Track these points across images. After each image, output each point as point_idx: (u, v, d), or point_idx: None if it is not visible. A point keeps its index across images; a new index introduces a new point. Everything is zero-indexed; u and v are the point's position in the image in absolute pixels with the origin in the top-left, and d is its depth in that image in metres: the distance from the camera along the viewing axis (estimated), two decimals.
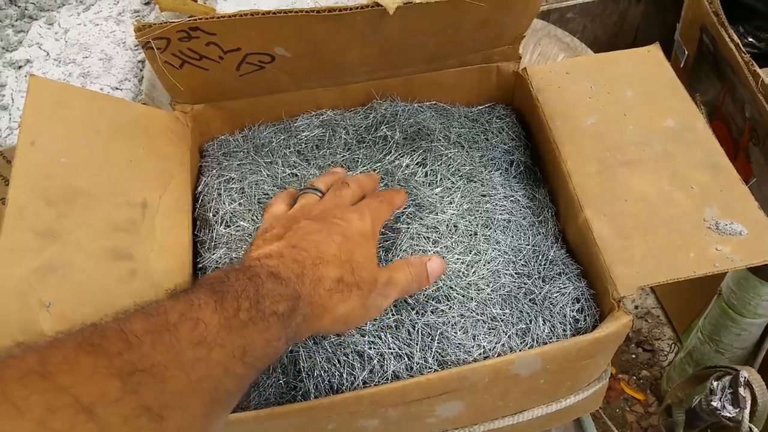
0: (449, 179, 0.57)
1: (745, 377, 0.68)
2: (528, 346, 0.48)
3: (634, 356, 1.16)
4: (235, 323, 0.34)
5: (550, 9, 1.21)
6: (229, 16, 0.48)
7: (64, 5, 0.84)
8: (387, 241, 0.52)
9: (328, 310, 0.40)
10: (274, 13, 0.48)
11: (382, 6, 0.48)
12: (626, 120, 0.56)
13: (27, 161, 0.47)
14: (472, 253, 0.52)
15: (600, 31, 1.29)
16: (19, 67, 0.77)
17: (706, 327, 0.91)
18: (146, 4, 0.82)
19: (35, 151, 0.48)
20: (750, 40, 1.16)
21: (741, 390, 0.68)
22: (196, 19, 0.48)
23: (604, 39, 1.30)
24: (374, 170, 0.57)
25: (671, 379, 1.06)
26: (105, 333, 0.29)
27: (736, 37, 0.91)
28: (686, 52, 1.13)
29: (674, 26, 1.18)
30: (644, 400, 1.11)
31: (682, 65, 1.12)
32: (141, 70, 0.73)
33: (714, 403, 0.70)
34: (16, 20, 0.82)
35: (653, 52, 0.61)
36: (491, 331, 0.48)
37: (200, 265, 0.53)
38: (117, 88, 0.72)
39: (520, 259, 0.52)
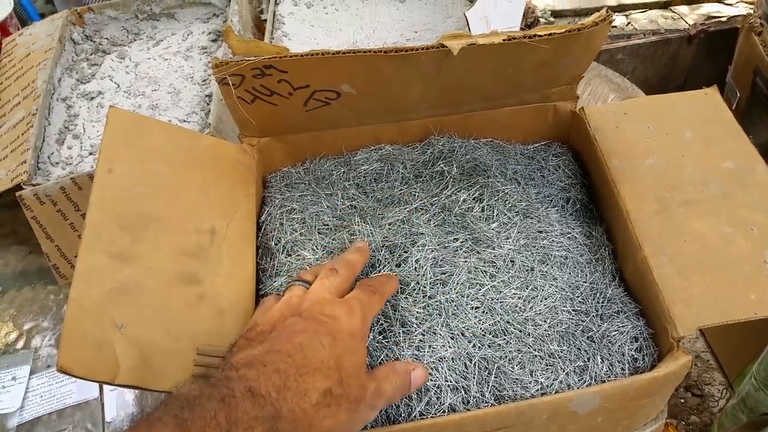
0: (506, 215, 0.57)
1: None
2: (586, 383, 0.48)
3: (683, 401, 1.13)
4: None
5: (601, 50, 1.22)
6: (302, 56, 0.50)
7: (135, 41, 0.89)
8: (444, 274, 0.53)
9: (314, 426, 0.37)
10: (344, 52, 0.50)
11: (446, 47, 0.50)
12: (685, 161, 0.56)
13: (104, 188, 0.50)
14: (529, 288, 0.52)
15: (650, 72, 1.29)
16: (92, 98, 0.82)
17: (761, 373, 0.88)
18: (213, 41, 0.86)
19: (112, 178, 0.51)
20: None
21: None
22: (270, 58, 0.50)
23: (654, 80, 1.30)
24: (431, 204, 0.58)
25: (723, 425, 1.02)
26: None
27: None
28: (738, 95, 1.13)
29: (725, 68, 1.17)
30: None
31: (734, 107, 1.12)
32: (208, 104, 0.77)
33: None
34: (91, 54, 0.87)
35: (711, 94, 0.61)
36: (549, 367, 0.48)
37: (262, 292, 0.54)
38: (184, 121, 0.75)
39: (578, 296, 0.52)
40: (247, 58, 0.50)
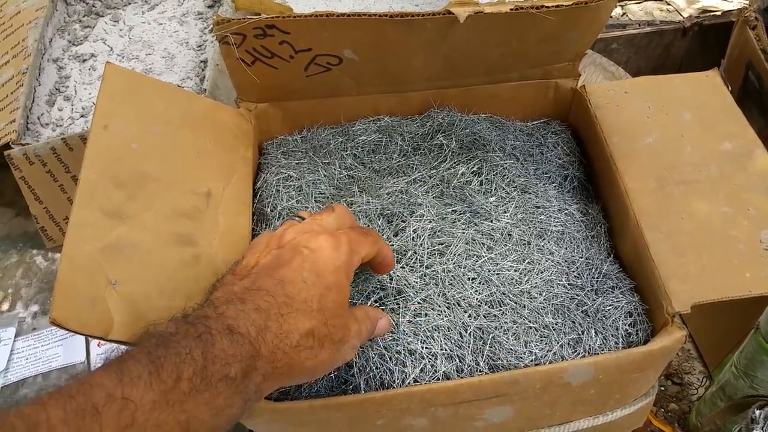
0: (504, 189, 0.57)
1: None
2: (579, 356, 0.48)
3: (663, 388, 1.15)
4: (173, 397, 0.30)
5: (596, 38, 1.22)
6: (306, 16, 0.50)
7: (129, 4, 0.87)
8: (442, 244, 0.52)
9: (294, 367, 0.36)
10: (349, 15, 0.50)
11: (453, 14, 0.49)
12: (684, 141, 0.57)
13: (99, 144, 0.49)
14: (526, 261, 0.52)
15: (644, 63, 1.29)
16: (84, 60, 0.80)
17: (741, 362, 0.90)
18: (209, 7, 0.85)
19: (108, 135, 0.50)
20: None
21: None
22: (273, 17, 0.49)
23: (647, 71, 1.30)
24: (430, 176, 0.58)
25: (701, 413, 1.04)
26: (14, 427, 0.26)
27: None
28: (730, 88, 1.13)
29: (718, 61, 1.18)
30: None
31: None
32: (203, 70, 0.76)
33: None
34: (84, 16, 0.85)
35: (711, 76, 0.61)
36: (543, 339, 0.48)
37: None
38: (178, 86, 0.74)
39: (573, 271, 0.53)
40: (249, 17, 0.49)
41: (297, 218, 0.45)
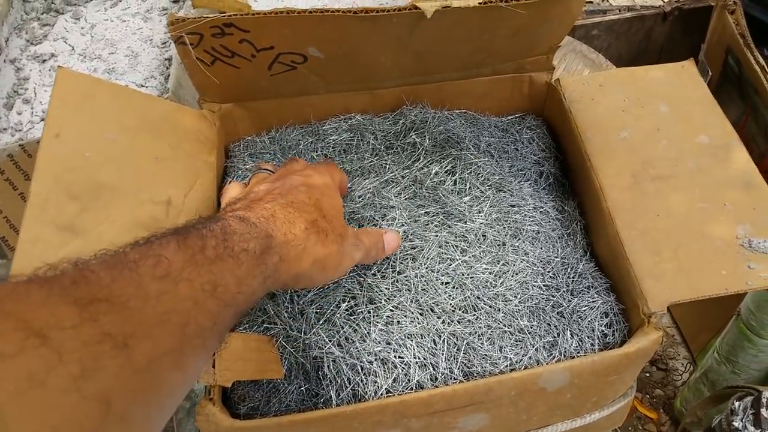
0: (478, 188, 0.56)
1: (767, 398, 0.67)
2: (555, 359, 0.47)
3: (648, 375, 1.15)
4: (201, 259, 0.32)
5: (576, 25, 1.20)
6: (265, 14, 0.47)
7: (91, 0, 0.84)
8: (414, 248, 0.51)
9: (307, 251, 0.40)
10: (311, 11, 0.47)
11: (419, 9, 0.47)
12: (659, 135, 0.55)
13: (51, 154, 0.47)
14: (501, 263, 0.51)
15: (624, 49, 1.28)
16: (44, 60, 0.77)
17: (723, 348, 0.90)
18: (175, 2, 0.82)
19: (60, 144, 0.48)
20: None
21: (764, 411, 0.66)
22: (230, 16, 0.47)
23: (628, 57, 1.29)
24: (402, 177, 0.56)
25: (685, 398, 1.04)
26: (59, 269, 0.28)
27: (762, 60, 0.91)
28: (710, 73, 1.13)
29: (698, 47, 1.17)
30: (657, 419, 1.09)
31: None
32: (167, 68, 0.73)
33: (735, 424, 0.69)
34: (42, 13, 0.82)
35: (687, 67, 0.60)
36: (518, 343, 0.47)
37: None
38: (142, 86, 0.72)
39: (549, 271, 0.51)
40: (205, 15, 0.47)
41: (266, 171, 0.49)
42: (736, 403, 0.70)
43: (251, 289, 0.35)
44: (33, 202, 0.44)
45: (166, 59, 0.74)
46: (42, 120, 0.70)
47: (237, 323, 0.48)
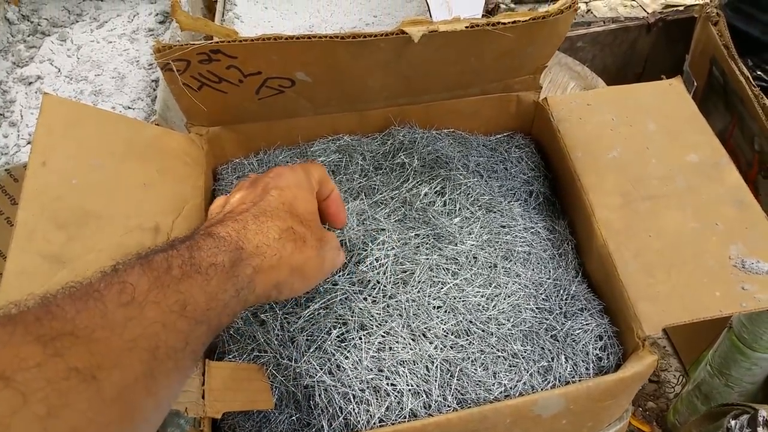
0: (468, 209, 0.55)
1: (764, 416, 0.66)
2: (550, 384, 0.47)
3: (640, 387, 1.15)
4: (167, 280, 0.32)
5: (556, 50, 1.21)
6: (252, 40, 0.47)
7: (77, 22, 0.84)
8: (405, 272, 0.50)
9: (283, 259, 0.39)
10: (298, 37, 0.47)
11: (407, 34, 0.47)
12: (649, 153, 0.55)
13: (37, 182, 0.46)
14: (492, 286, 0.50)
15: (609, 60, 1.29)
16: (30, 83, 0.77)
17: (716, 360, 0.90)
18: (161, 23, 0.82)
19: (46, 172, 0.47)
20: (759, 73, 1.16)
21: (760, 429, 0.66)
22: (218, 42, 0.47)
23: (613, 68, 1.30)
24: (392, 198, 0.56)
25: (678, 411, 1.04)
26: (23, 305, 0.28)
27: (746, 70, 0.92)
28: (695, 84, 1.14)
29: (683, 57, 1.18)
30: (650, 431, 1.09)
31: (691, 96, 1.12)
32: (154, 90, 0.72)
33: None
34: (29, 36, 0.81)
35: (675, 85, 0.60)
36: (512, 368, 0.47)
37: None
38: (129, 107, 0.71)
39: (541, 294, 0.51)
40: (192, 43, 0.47)
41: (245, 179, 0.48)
42: (732, 422, 0.69)
43: (222, 303, 0.34)
44: (19, 232, 0.43)
45: (152, 81, 0.74)
46: (28, 143, 0.70)
47: (216, 346, 0.48)
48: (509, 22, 0.47)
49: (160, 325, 0.30)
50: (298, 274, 0.40)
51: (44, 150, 0.47)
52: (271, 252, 0.38)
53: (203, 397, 0.40)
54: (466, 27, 0.47)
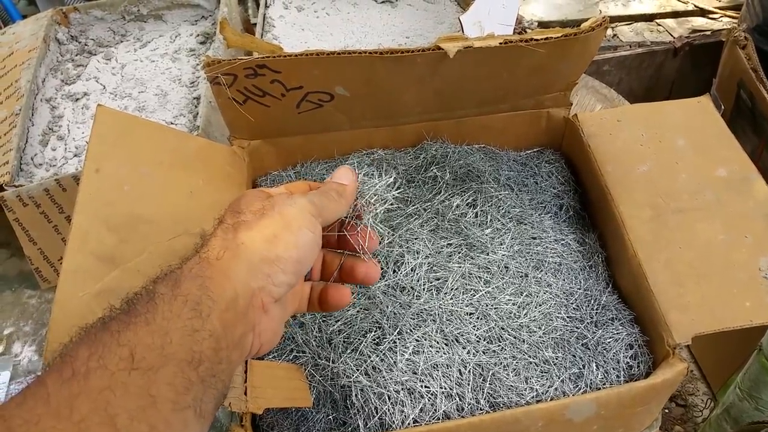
0: (499, 221, 0.57)
1: None
2: (581, 391, 0.47)
3: (667, 411, 1.13)
4: (104, 337, 0.29)
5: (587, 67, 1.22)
6: (296, 55, 0.50)
7: (121, 42, 0.88)
8: (439, 279, 0.52)
9: (242, 244, 0.36)
10: (339, 53, 0.50)
11: (443, 49, 0.49)
12: (678, 168, 0.56)
13: (92, 188, 0.49)
14: (524, 294, 0.52)
15: (635, 84, 1.30)
16: (77, 99, 0.80)
17: (745, 383, 0.89)
18: (201, 43, 0.85)
19: (100, 179, 0.50)
20: None
21: None
22: (264, 57, 0.49)
23: (639, 92, 1.31)
24: (425, 209, 0.58)
25: None
26: None
27: None
28: (722, 107, 1.14)
29: (709, 81, 1.19)
30: None
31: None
32: (195, 107, 0.76)
33: None
34: (76, 55, 0.85)
35: (703, 102, 0.61)
36: (544, 374, 0.48)
37: None
38: (172, 123, 0.74)
39: (572, 303, 0.52)
40: (240, 57, 0.49)
41: None
42: None
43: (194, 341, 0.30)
44: (75, 233, 0.46)
45: (194, 98, 0.77)
46: (75, 156, 0.73)
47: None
48: (542, 39, 0.49)
49: (108, 391, 0.27)
50: (272, 240, 0.36)
51: (98, 158, 0.50)
52: (215, 247, 0.37)
53: (246, 393, 0.42)
54: (500, 43, 0.49)
